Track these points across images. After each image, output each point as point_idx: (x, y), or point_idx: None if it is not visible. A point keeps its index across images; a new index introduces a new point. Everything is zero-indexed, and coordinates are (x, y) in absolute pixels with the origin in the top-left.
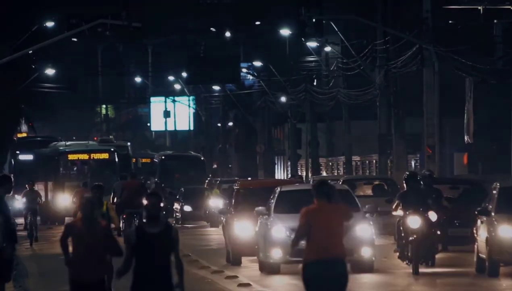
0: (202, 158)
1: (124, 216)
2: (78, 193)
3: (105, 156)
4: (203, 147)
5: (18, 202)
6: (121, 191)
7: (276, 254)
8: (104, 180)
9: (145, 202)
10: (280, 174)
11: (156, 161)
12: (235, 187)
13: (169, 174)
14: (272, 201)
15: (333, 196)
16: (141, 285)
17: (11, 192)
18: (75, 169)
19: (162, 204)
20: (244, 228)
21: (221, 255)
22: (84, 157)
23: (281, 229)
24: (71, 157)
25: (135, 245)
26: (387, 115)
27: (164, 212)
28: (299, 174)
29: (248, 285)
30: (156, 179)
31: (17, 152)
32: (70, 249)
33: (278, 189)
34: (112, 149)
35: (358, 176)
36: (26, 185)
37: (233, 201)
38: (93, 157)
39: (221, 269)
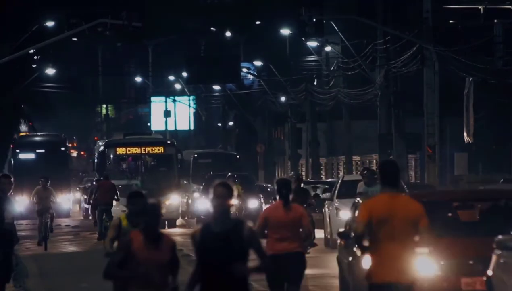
0: (238, 156)
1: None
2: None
3: (160, 149)
4: (203, 146)
5: (19, 202)
6: (96, 191)
7: None
8: (159, 178)
9: (210, 197)
10: (279, 174)
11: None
12: None
13: (202, 172)
14: None
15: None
16: None
17: (11, 191)
18: (124, 165)
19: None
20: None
21: None
22: (136, 150)
23: None
24: (120, 150)
25: (199, 247)
26: (387, 115)
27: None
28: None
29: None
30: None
31: (17, 151)
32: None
33: None
34: (169, 142)
35: None
36: (40, 182)
37: None
38: (147, 151)
39: None
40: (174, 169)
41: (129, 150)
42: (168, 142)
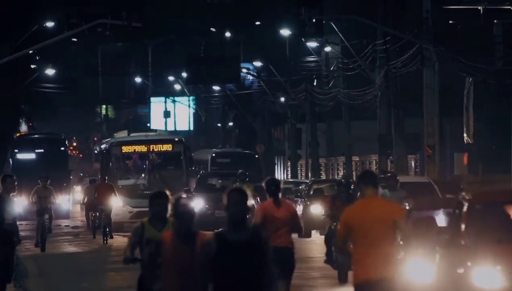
0: (256, 155)
1: (94, 214)
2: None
3: (168, 147)
4: (203, 147)
5: (18, 203)
6: (95, 192)
7: None
8: (167, 177)
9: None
10: (279, 174)
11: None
12: (464, 199)
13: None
14: None
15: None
16: None
17: (15, 191)
18: (129, 164)
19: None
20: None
21: None
22: (143, 148)
23: None
24: (125, 148)
25: (215, 257)
26: (387, 115)
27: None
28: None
29: None
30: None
31: (16, 151)
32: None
33: None
34: (176, 139)
35: None
36: (39, 181)
37: (465, 225)
38: (154, 149)
39: None
40: (182, 166)
41: (135, 148)
42: (176, 139)
